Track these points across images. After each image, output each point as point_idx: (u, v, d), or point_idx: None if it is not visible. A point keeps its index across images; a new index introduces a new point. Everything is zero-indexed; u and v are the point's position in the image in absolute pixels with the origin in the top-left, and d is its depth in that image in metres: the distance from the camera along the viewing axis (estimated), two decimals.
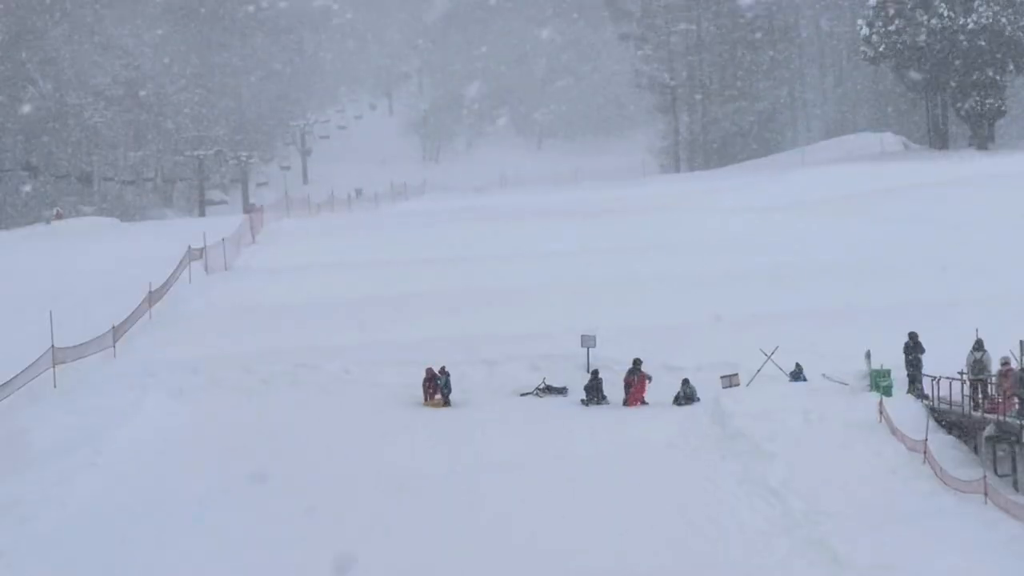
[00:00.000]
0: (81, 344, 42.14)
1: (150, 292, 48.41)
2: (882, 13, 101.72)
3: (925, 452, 31.03)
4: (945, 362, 34.31)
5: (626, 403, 38.16)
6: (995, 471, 30.54)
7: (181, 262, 54.29)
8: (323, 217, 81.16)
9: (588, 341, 40.85)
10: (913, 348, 35.98)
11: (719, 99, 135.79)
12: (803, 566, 26.07)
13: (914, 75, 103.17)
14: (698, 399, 37.67)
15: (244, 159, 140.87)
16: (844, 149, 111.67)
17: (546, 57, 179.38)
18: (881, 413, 33.79)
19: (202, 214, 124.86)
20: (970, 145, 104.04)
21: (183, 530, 28.73)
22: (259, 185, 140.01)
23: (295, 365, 41.42)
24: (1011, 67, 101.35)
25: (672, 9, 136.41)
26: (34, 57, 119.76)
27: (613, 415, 37.26)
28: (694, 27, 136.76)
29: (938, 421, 33.29)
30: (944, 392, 33.60)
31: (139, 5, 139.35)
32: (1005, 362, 32.16)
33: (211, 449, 34.84)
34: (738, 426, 34.15)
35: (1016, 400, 30.82)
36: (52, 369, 40.31)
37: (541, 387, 39.96)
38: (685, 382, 38.18)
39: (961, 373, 33.13)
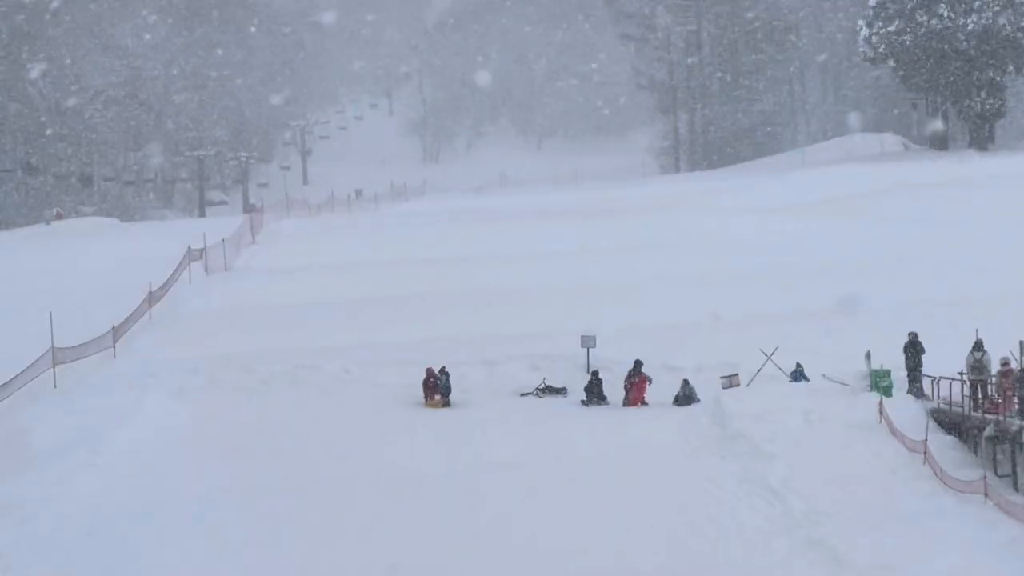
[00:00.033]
0: (81, 344, 42.15)
1: (150, 292, 48.42)
2: (882, 14, 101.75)
3: (925, 452, 31.02)
4: (945, 362, 34.32)
5: (626, 403, 38.15)
6: (995, 471, 30.52)
7: (181, 262, 54.31)
8: (323, 218, 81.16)
9: (588, 341, 40.85)
10: (913, 348, 35.96)
11: (719, 99, 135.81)
12: (803, 566, 26.06)
13: (914, 76, 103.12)
14: (698, 399, 37.67)
15: (244, 159, 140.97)
16: (844, 150, 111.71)
17: (546, 57, 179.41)
18: (881, 413, 33.79)
19: (202, 215, 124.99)
20: (970, 146, 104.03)
21: (183, 530, 28.71)
22: (259, 186, 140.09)
23: (295, 365, 41.41)
24: (1011, 68, 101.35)
25: (673, 10, 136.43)
26: (34, 57, 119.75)
27: (613, 415, 37.25)
28: (694, 28, 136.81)
29: (938, 421, 33.29)
30: (944, 392, 33.62)
31: (139, 5, 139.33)
32: (1005, 362, 32.15)
33: (211, 449, 34.83)
34: (738, 426, 34.16)
35: (1016, 400, 30.81)
36: (52, 369, 40.31)
37: (541, 387, 39.95)
38: (685, 382, 38.18)
39: (961, 374, 33.14)
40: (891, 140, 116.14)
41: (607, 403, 38.48)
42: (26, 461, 33.01)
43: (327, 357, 41.86)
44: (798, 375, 38.37)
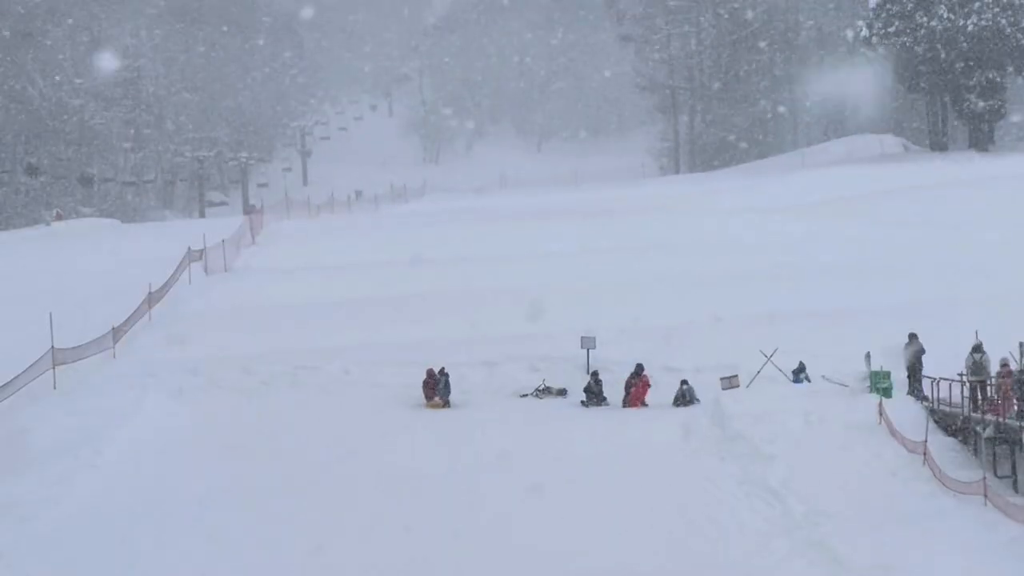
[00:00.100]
0: (81, 345, 42.15)
1: (150, 293, 48.42)
2: (882, 15, 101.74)
3: (925, 454, 31.04)
4: (945, 363, 34.33)
5: (626, 404, 38.16)
6: (995, 473, 30.54)
7: (181, 263, 54.31)
8: (323, 218, 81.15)
9: (588, 343, 40.86)
10: (913, 349, 35.95)
11: (719, 100, 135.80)
12: (803, 566, 26.09)
13: (914, 77, 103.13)
14: (698, 400, 37.67)
15: (244, 160, 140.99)
16: (844, 151, 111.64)
17: (546, 58, 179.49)
18: (881, 415, 33.80)
19: (202, 215, 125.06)
20: (970, 147, 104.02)
21: (183, 530, 28.73)
22: (259, 186, 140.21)
23: (295, 366, 41.41)
24: (1011, 69, 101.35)
25: (673, 11, 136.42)
26: (34, 57, 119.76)
27: (613, 416, 37.25)
28: (694, 28, 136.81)
29: (938, 423, 33.31)
30: (944, 394, 33.63)
31: (139, 5, 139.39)
32: (1004, 364, 32.17)
33: (211, 449, 34.84)
34: (738, 427, 34.16)
35: (1015, 401, 30.83)
36: (52, 370, 40.31)
37: (541, 388, 39.96)
38: (684, 383, 38.18)
39: (961, 375, 33.15)
40: (891, 141, 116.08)
41: (607, 404, 38.49)
42: (26, 462, 33.01)
43: (327, 357, 41.86)
44: (800, 372, 38.36)
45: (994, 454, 31.00)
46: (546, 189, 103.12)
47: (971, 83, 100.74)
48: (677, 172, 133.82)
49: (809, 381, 38.23)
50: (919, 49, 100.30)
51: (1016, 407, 30.71)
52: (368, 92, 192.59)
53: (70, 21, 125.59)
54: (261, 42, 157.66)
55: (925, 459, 30.95)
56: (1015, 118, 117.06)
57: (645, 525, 28.49)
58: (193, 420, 37.34)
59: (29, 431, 35.35)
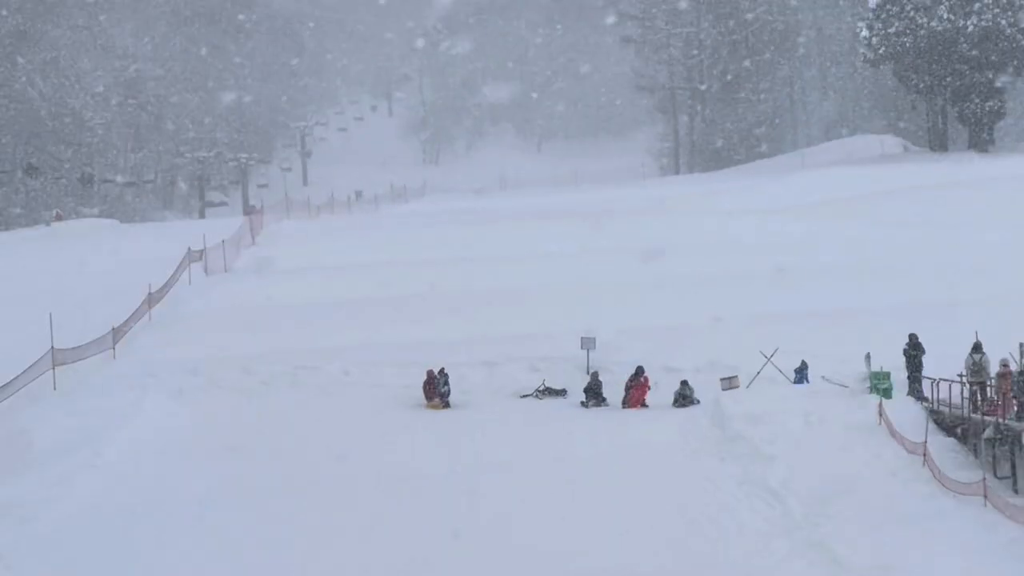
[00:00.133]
0: (81, 345, 42.15)
1: (150, 293, 48.43)
2: (882, 15, 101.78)
3: (924, 454, 31.04)
4: (945, 364, 34.34)
5: (625, 405, 38.15)
6: (994, 473, 30.55)
7: (181, 263, 54.32)
8: (323, 219, 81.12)
9: (588, 343, 40.86)
10: (913, 349, 35.96)
11: (719, 101, 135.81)
12: (803, 567, 26.11)
13: (914, 78, 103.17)
14: (698, 401, 37.67)
15: (244, 161, 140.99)
16: (844, 151, 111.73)
17: (546, 58, 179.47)
18: (881, 415, 33.81)
19: (202, 216, 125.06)
20: (970, 147, 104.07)
21: (183, 530, 28.75)
22: (259, 187, 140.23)
23: (295, 366, 41.40)
24: (1011, 70, 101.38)
25: (673, 11, 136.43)
26: (34, 58, 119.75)
27: (613, 417, 37.25)
28: (694, 29, 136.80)
29: (937, 423, 33.32)
30: (944, 394, 33.63)
31: (139, 5, 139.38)
32: (1004, 364, 32.17)
33: (211, 449, 34.85)
34: (738, 428, 34.18)
35: (1015, 402, 30.83)
36: (52, 370, 40.31)
37: (541, 389, 39.96)
38: (684, 384, 38.18)
39: (960, 376, 33.16)
40: (891, 142, 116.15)
41: (607, 404, 38.49)
42: (26, 462, 33.04)
43: (327, 358, 41.87)
44: (802, 371, 38.34)
45: (994, 455, 31.02)
46: (546, 190, 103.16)
47: (971, 84, 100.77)
48: (677, 173, 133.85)
49: (808, 381, 38.22)
50: (919, 50, 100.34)
51: (1016, 408, 30.70)
52: (368, 92, 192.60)
53: (70, 21, 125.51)
54: (261, 42, 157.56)
55: (925, 460, 30.96)
56: (1015, 118, 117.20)
57: (645, 525, 28.50)
58: (193, 420, 37.35)
59: (29, 432, 35.37)
